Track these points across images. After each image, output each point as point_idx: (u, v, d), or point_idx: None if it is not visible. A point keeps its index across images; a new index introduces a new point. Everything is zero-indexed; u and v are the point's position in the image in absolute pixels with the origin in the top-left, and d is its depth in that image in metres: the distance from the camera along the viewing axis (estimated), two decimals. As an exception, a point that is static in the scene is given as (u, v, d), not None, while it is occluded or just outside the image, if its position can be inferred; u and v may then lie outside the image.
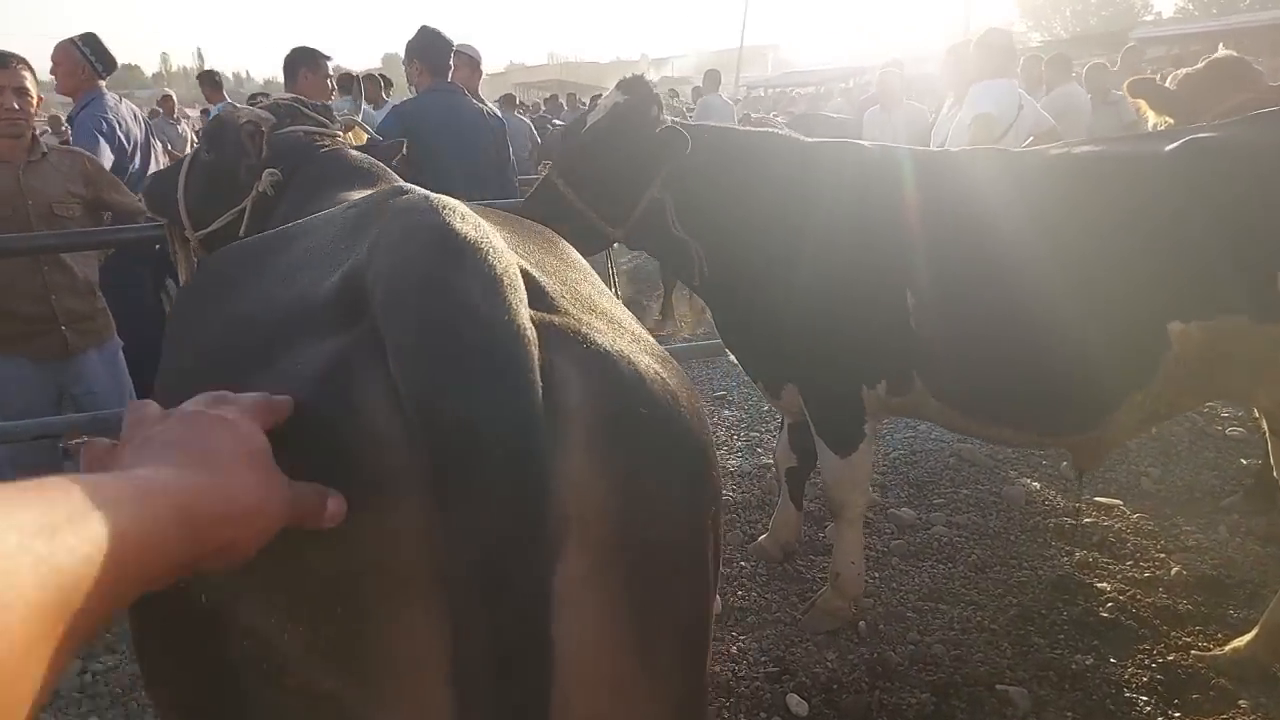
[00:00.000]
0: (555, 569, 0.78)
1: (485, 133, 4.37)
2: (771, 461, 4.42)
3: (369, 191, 2.18)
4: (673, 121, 2.81)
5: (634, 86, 2.76)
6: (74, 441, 0.74)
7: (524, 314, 0.81)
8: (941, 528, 3.80)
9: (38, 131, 3.60)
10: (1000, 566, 3.53)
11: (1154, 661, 2.89)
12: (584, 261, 1.29)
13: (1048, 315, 2.45)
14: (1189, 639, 3.00)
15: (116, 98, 4.80)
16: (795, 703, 2.73)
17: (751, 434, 4.92)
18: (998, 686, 2.77)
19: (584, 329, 0.89)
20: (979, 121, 4.55)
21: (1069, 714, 2.67)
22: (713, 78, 10.86)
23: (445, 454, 0.73)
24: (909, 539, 3.73)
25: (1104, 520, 3.85)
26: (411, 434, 0.75)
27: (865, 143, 2.91)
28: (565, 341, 0.86)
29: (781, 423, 3.52)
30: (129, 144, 4.66)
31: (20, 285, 3.39)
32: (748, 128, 3.00)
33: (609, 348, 0.88)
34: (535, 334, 0.81)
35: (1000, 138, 4.60)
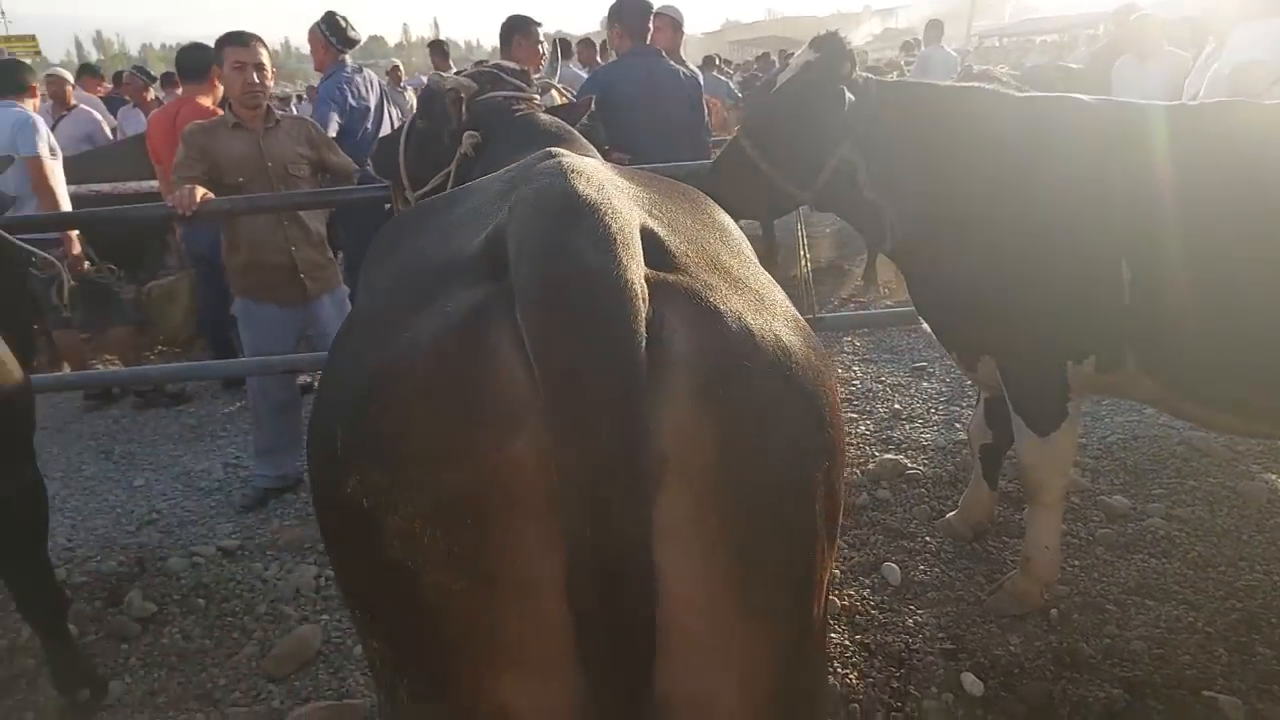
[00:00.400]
0: (656, 502, 0.85)
1: (679, 94, 4.43)
2: (968, 437, 4.24)
3: None
4: (865, 79, 2.72)
5: (826, 44, 2.69)
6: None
7: (634, 270, 0.87)
8: (1158, 520, 3.48)
9: (276, 101, 4.05)
10: (1226, 567, 3.19)
11: None
12: (729, 224, 1.33)
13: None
14: None
15: (356, 67, 5.31)
16: (970, 682, 2.64)
17: (951, 408, 4.71)
18: (1205, 692, 2.54)
19: (698, 286, 0.94)
20: (1240, 71, 4.01)
21: (1291, 733, 2.41)
22: (935, 28, 10.21)
23: (557, 394, 0.83)
24: (1118, 529, 3.45)
25: (1369, 529, 3.37)
26: (532, 375, 0.85)
27: (1085, 97, 2.67)
28: (676, 297, 0.91)
29: (978, 397, 3.35)
30: (360, 109, 5.16)
31: (267, 240, 3.85)
32: (955, 83, 2.83)
33: (720, 305, 0.93)
34: (645, 289, 0.87)
35: (1268, 90, 4.04)
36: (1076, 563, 3.23)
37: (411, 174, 2.76)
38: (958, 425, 4.45)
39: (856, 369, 5.31)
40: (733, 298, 0.96)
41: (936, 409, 4.72)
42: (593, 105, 2.85)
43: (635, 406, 0.82)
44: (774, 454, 0.93)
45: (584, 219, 0.89)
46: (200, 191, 3.44)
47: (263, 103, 3.87)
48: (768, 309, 1.00)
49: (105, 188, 5.61)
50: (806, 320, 3.72)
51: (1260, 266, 2.22)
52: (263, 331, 3.97)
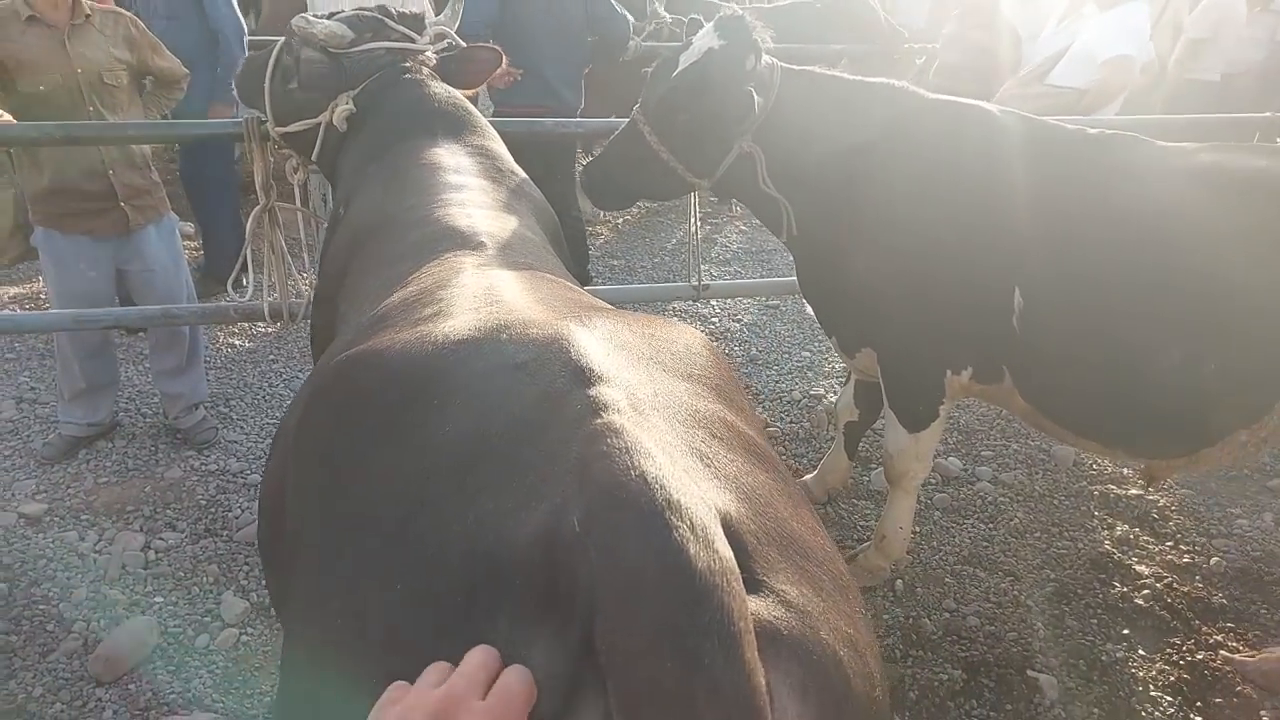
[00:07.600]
0: None
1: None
2: (822, 390, 4.38)
3: (456, 149, 2.03)
4: (770, 65, 2.59)
5: (731, 30, 2.52)
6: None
7: (759, 680, 0.73)
8: (987, 484, 3.79)
9: None
10: (1041, 533, 3.53)
11: (1182, 659, 2.93)
12: (739, 391, 1.19)
13: (1167, 340, 2.31)
14: (1220, 637, 3.03)
15: None
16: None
17: (803, 353, 4.83)
18: (1029, 672, 2.82)
19: (796, 634, 0.83)
20: (1111, 65, 4.13)
21: (1095, 710, 2.73)
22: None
23: None
24: (953, 492, 3.73)
25: (1149, 494, 3.82)
26: None
27: (994, 108, 2.65)
28: (781, 660, 0.80)
29: (847, 377, 3.43)
30: None
31: (78, 161, 3.24)
32: (865, 78, 2.73)
33: (820, 657, 0.83)
34: (767, 689, 0.74)
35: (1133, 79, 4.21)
36: (918, 528, 3.46)
37: (277, 109, 2.42)
38: (810, 374, 4.59)
39: (715, 304, 5.31)
40: (822, 620, 0.86)
41: (791, 355, 4.82)
42: (504, 63, 2.53)
43: None
44: None
45: (702, 609, 0.72)
46: None
47: None
48: (841, 610, 0.92)
49: None
50: (693, 288, 3.52)
51: (1139, 320, 2.33)
52: (71, 269, 3.37)
